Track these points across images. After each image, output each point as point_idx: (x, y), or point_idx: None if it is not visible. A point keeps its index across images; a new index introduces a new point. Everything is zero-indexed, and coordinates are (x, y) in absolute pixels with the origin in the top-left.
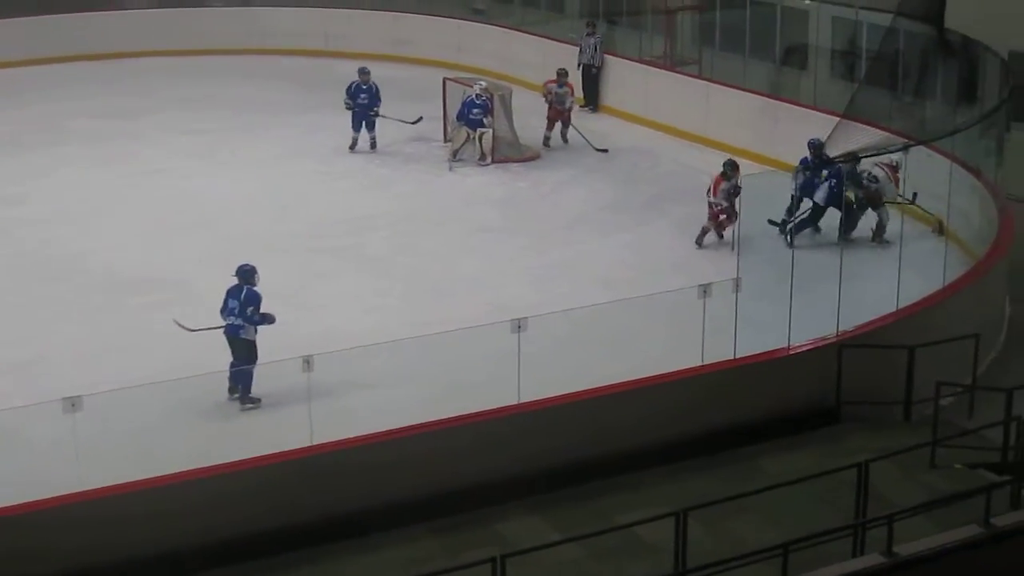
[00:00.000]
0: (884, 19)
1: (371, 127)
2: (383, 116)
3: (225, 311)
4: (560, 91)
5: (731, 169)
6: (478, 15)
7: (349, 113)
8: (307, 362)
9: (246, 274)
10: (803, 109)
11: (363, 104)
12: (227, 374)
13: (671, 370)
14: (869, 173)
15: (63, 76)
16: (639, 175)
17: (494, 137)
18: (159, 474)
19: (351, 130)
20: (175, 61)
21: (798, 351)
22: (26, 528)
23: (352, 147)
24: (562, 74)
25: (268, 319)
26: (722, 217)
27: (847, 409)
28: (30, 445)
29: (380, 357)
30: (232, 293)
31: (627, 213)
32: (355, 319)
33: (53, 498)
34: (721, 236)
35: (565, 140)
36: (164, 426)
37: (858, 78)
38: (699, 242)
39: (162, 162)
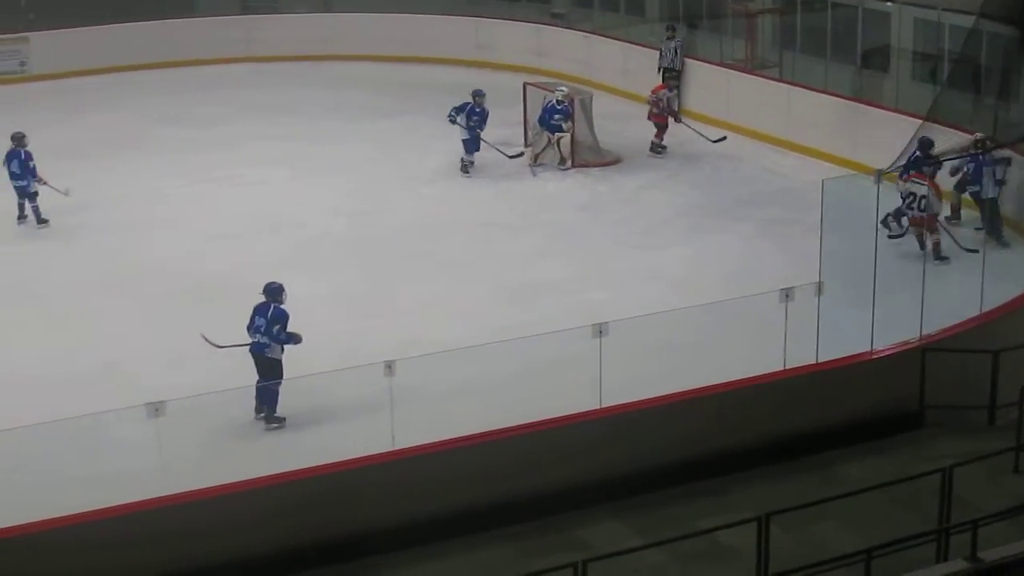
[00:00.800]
0: (967, 20)
1: (473, 150)
2: (487, 143)
3: (251, 328)
4: (671, 95)
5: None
6: (558, 19)
7: (433, 121)
8: (389, 367)
9: (274, 292)
10: (885, 112)
11: (473, 127)
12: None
13: (753, 374)
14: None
15: (140, 83)
16: (721, 179)
17: (575, 141)
18: (237, 479)
19: (464, 152)
20: (253, 67)
21: (881, 355)
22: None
23: (465, 170)
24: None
25: (295, 338)
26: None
27: (930, 414)
28: (111, 448)
29: (462, 362)
30: (259, 311)
31: (709, 217)
32: (437, 324)
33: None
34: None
35: (660, 148)
36: (243, 432)
37: (940, 81)
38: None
39: (240, 168)
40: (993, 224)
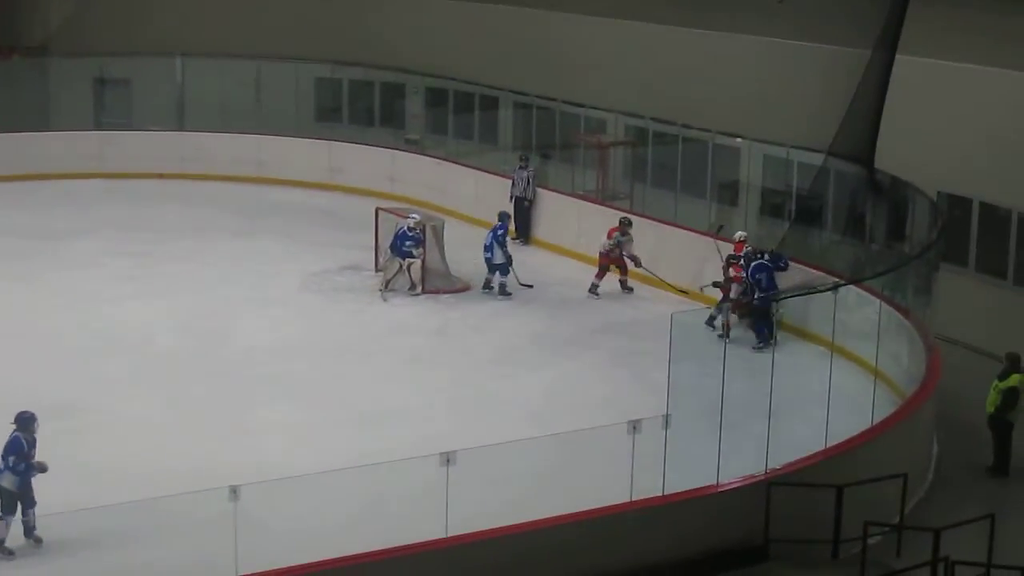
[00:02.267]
0: (815, 158)
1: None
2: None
3: None
4: (623, 239)
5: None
6: (412, 145)
7: (285, 242)
8: (234, 492)
9: (24, 422)
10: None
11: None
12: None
13: (601, 505)
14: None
15: None
16: (570, 308)
17: (426, 268)
18: None
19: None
20: (107, 183)
21: (727, 488)
22: None
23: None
24: (626, 223)
25: (38, 467)
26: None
27: (775, 547)
28: None
29: (307, 488)
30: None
31: (557, 346)
32: (282, 448)
33: None
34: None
35: (627, 289)
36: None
37: (789, 216)
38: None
39: (89, 284)
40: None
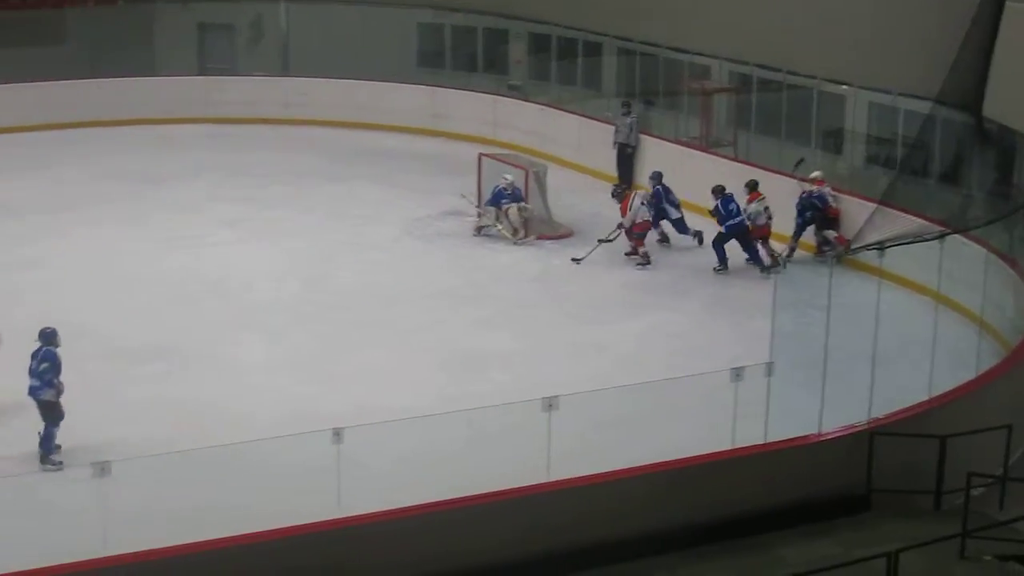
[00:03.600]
0: (923, 106)
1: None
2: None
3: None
4: (754, 208)
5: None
6: (514, 91)
7: (386, 188)
8: (337, 434)
9: (47, 336)
10: (838, 194)
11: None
12: None
13: (701, 452)
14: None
15: (97, 140)
16: (672, 255)
17: (530, 214)
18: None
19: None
20: (209, 128)
21: (829, 437)
22: None
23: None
24: (752, 186)
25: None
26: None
27: (877, 497)
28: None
29: (410, 431)
30: (33, 355)
31: (658, 293)
32: (384, 392)
33: None
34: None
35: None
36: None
37: (894, 165)
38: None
39: (193, 229)
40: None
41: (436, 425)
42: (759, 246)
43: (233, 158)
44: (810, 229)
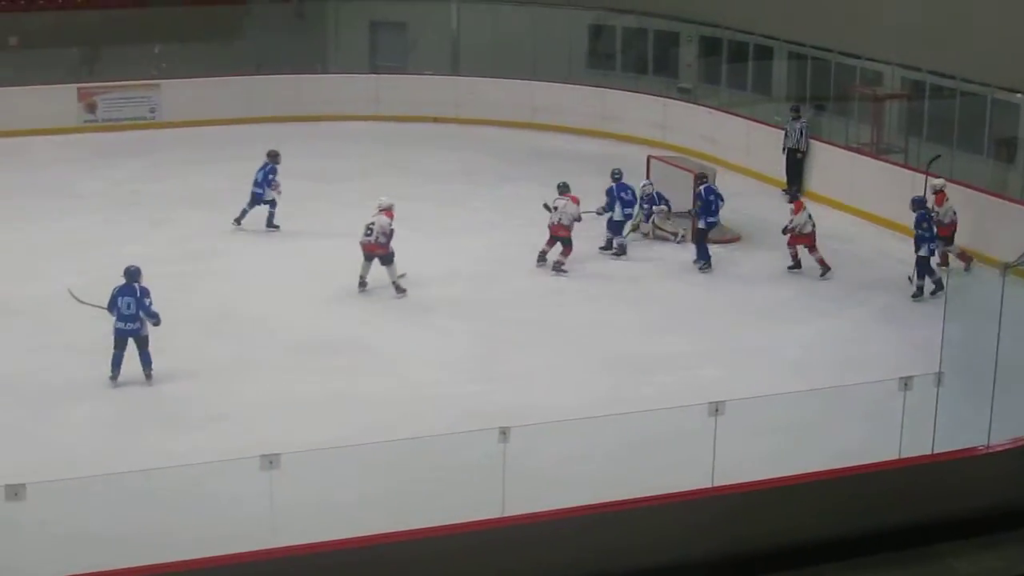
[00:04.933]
0: None
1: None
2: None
3: (116, 310)
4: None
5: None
6: (684, 94)
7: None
8: (504, 433)
9: (133, 274)
10: (1011, 204)
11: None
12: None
13: (868, 462)
14: None
15: (268, 136)
16: (841, 262)
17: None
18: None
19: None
20: (380, 126)
21: (998, 450)
22: None
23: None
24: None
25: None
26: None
27: None
28: (220, 500)
29: (571, 432)
30: (123, 291)
31: (826, 300)
32: (549, 392)
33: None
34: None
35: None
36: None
37: None
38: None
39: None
40: None
41: (602, 428)
42: (808, 252)
43: (405, 155)
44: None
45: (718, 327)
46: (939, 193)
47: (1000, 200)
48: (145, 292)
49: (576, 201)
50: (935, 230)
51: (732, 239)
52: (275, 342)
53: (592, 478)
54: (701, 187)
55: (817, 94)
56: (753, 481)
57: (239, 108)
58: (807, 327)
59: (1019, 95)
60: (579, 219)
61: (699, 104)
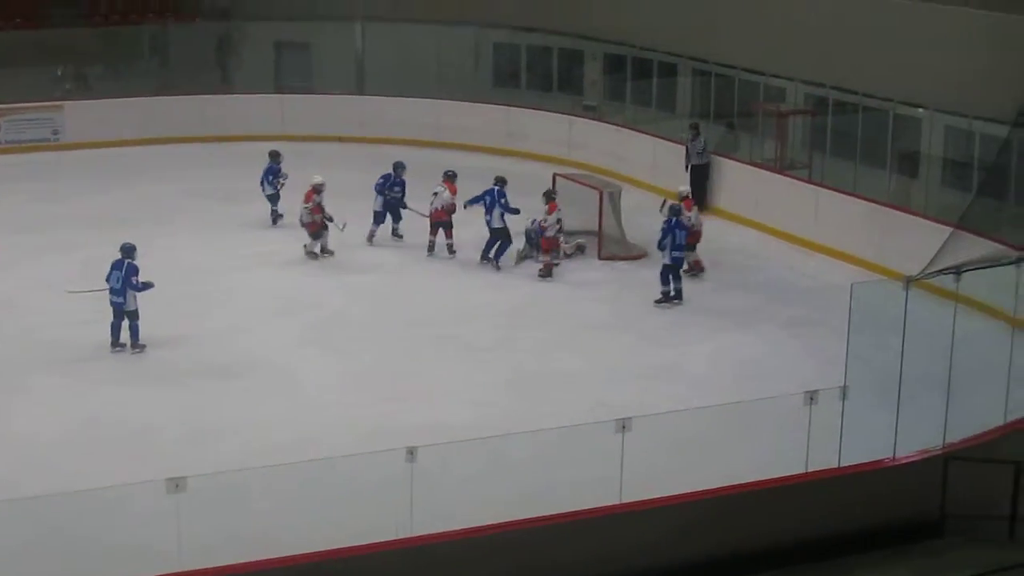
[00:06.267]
0: (999, 129)
1: (398, 219)
2: (411, 210)
3: (109, 281)
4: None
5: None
6: (589, 111)
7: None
8: (411, 452)
9: (128, 250)
10: (913, 217)
11: (396, 197)
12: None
13: (774, 476)
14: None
15: (173, 156)
16: (746, 278)
17: (602, 234)
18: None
19: (371, 222)
20: (285, 145)
21: (904, 462)
22: None
23: (370, 239)
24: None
25: (149, 286)
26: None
27: (951, 523)
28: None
29: (480, 451)
30: (115, 266)
31: (733, 315)
32: (452, 410)
33: None
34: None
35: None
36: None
37: (970, 188)
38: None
39: (266, 245)
40: None
41: (509, 445)
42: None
43: (310, 175)
44: None
45: (624, 344)
46: (686, 200)
47: (903, 213)
48: (132, 269)
49: (453, 191)
50: (683, 238)
51: (639, 255)
52: (183, 362)
53: (501, 496)
54: (672, 218)
55: (721, 110)
56: (661, 497)
57: (143, 129)
58: (712, 342)
59: (921, 110)
60: (453, 209)
61: (604, 121)
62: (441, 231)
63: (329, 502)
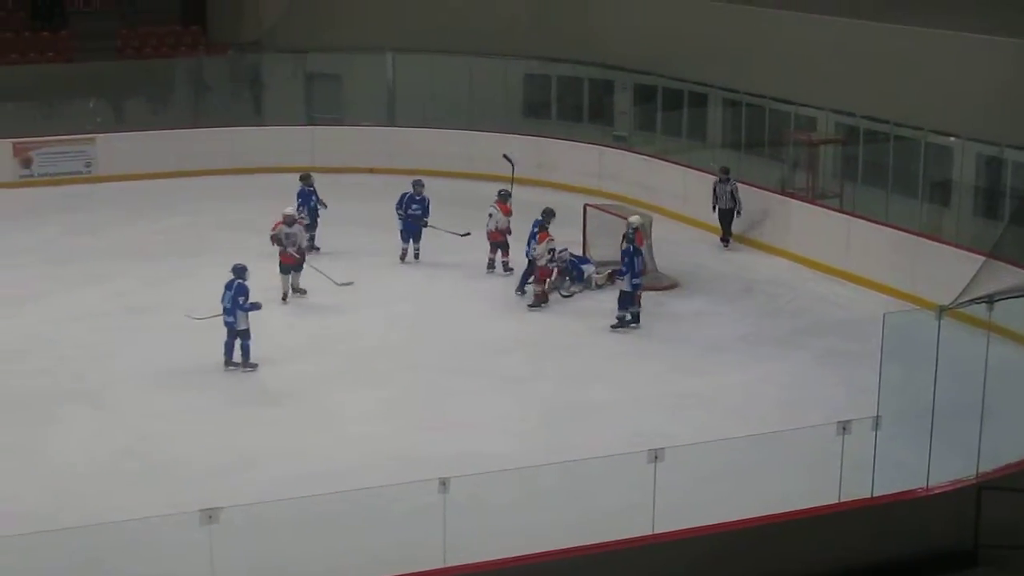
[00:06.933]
0: None
1: (418, 239)
2: (433, 227)
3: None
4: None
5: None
6: (619, 142)
7: (481, 234)
8: (443, 484)
9: (239, 271)
10: (945, 246)
11: (415, 215)
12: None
13: (807, 506)
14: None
15: (205, 189)
16: (778, 307)
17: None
18: None
19: (400, 241)
20: (317, 177)
21: (937, 491)
22: None
23: (402, 258)
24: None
25: (257, 306)
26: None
27: (985, 552)
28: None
29: (515, 481)
30: (227, 286)
31: (765, 345)
32: (491, 442)
33: None
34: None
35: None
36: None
37: (1002, 217)
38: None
39: (303, 277)
40: None
41: (543, 475)
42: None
43: (341, 207)
44: None
45: (658, 373)
46: (638, 231)
47: (935, 242)
48: (241, 289)
49: (506, 211)
50: (638, 265)
51: (670, 286)
52: (219, 393)
53: (534, 526)
54: (630, 247)
55: (752, 140)
56: (694, 527)
57: (175, 161)
58: (746, 372)
59: (952, 139)
60: (509, 231)
61: (634, 152)
62: (499, 250)
63: (362, 532)
